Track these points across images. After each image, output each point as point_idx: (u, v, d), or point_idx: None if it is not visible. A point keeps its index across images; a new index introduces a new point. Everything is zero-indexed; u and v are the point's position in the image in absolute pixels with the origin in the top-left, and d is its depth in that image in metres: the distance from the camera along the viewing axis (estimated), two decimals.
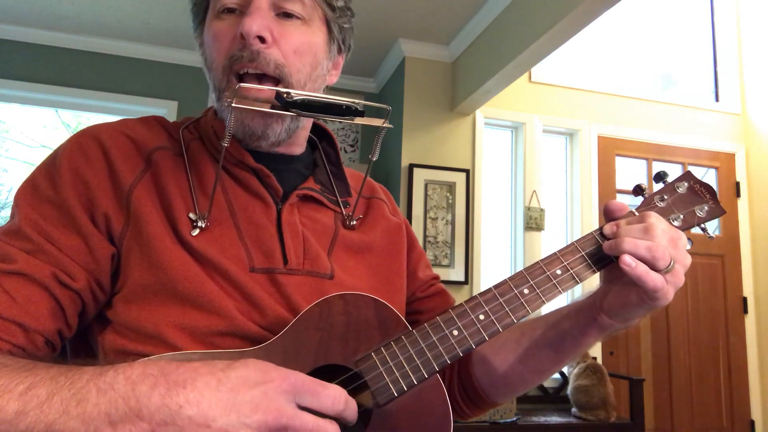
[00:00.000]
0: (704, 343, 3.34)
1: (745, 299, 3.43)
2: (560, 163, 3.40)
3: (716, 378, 3.33)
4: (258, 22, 0.64)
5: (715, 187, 3.49)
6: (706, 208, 0.71)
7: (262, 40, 0.65)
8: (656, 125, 3.46)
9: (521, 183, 3.20)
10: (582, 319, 0.68)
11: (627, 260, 0.59)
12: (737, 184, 3.53)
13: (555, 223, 3.27)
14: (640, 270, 0.59)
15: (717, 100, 3.67)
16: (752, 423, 3.33)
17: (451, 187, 3.01)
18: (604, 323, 0.66)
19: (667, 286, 0.60)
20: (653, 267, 0.59)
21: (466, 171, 3.03)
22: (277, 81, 0.68)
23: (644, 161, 3.44)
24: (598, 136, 3.35)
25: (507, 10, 2.57)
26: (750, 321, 3.41)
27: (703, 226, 0.72)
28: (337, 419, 0.50)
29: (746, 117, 3.61)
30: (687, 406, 3.25)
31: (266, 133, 0.69)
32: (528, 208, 3.15)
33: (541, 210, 3.16)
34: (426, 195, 2.96)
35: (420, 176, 2.96)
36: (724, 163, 3.55)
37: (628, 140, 3.42)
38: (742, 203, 3.51)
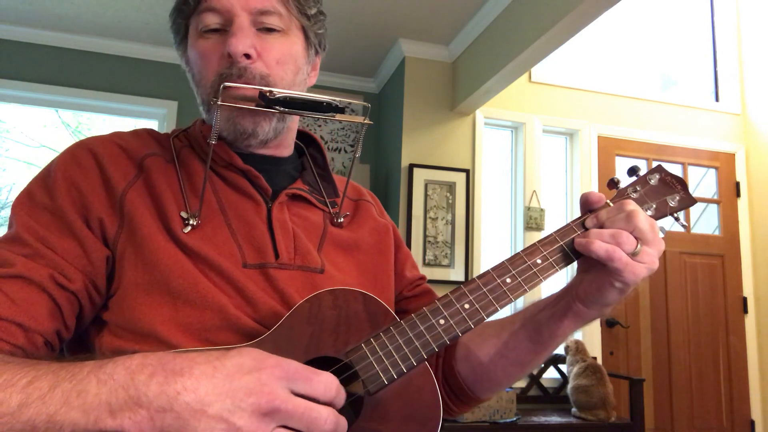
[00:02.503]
0: (704, 343, 3.34)
1: (745, 299, 3.43)
2: (560, 163, 3.40)
3: (716, 378, 3.33)
4: (243, 42, 0.68)
5: (715, 187, 3.52)
6: (677, 197, 0.75)
7: (247, 56, 0.69)
8: (656, 125, 3.46)
9: (521, 183, 3.21)
10: (558, 309, 0.70)
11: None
12: (737, 184, 3.53)
13: (555, 223, 3.27)
14: (608, 249, 0.62)
15: (717, 100, 3.67)
16: (752, 423, 3.33)
17: (451, 187, 3.01)
18: (579, 311, 0.68)
19: (632, 263, 0.62)
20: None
21: (466, 171, 3.03)
22: None
23: (644, 161, 3.44)
24: (598, 136, 3.36)
25: (507, 10, 2.57)
26: (750, 321, 3.41)
27: (675, 215, 0.75)
28: (329, 405, 0.52)
29: (746, 117, 3.61)
30: (687, 406, 3.25)
31: (256, 131, 0.71)
32: (528, 208, 3.15)
33: (541, 210, 3.16)
34: (426, 195, 2.96)
35: (420, 176, 2.96)
36: (724, 163, 3.55)
37: (628, 140, 3.42)
38: (742, 203, 3.51)
